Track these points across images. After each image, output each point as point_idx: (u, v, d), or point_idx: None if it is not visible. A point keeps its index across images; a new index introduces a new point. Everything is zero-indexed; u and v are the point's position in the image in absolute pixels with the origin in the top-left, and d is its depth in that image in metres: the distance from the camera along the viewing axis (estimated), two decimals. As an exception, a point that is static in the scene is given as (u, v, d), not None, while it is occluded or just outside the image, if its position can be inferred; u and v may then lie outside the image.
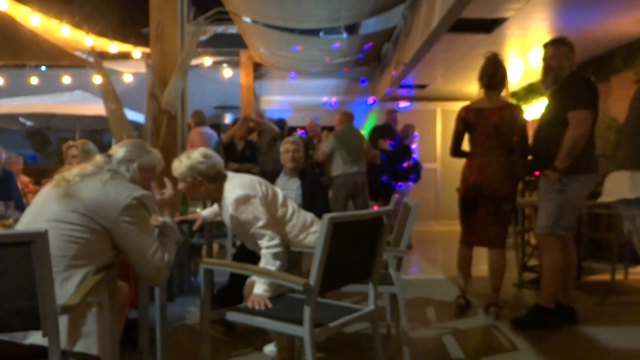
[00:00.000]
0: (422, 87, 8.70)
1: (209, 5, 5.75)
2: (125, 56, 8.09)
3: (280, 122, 6.89)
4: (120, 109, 4.19)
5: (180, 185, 2.58)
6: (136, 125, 6.42)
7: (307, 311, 1.88)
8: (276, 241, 2.49)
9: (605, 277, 4.41)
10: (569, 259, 3.36)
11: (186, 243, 4.36)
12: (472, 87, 8.63)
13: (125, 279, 2.42)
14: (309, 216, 2.80)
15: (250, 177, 2.67)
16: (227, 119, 9.89)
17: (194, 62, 8.92)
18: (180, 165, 2.53)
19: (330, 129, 7.29)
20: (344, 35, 8.98)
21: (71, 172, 1.92)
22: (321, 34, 9.40)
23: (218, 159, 2.60)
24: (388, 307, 3.13)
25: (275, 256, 2.48)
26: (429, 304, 3.97)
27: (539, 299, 3.35)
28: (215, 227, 4.02)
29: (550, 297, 3.29)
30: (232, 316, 2.15)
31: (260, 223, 2.49)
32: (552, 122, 3.27)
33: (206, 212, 3.00)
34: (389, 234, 3.29)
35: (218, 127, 10.13)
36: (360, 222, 2.09)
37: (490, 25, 5.34)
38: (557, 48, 3.36)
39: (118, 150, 2.07)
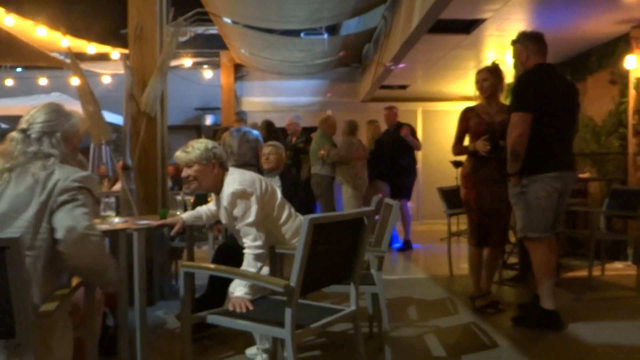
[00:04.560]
0: (403, 87, 8.76)
1: (189, 6, 5.71)
2: (103, 57, 7.99)
3: (267, 125, 6.85)
4: (99, 111, 4.13)
5: (190, 171, 2.57)
6: (115, 127, 6.34)
7: (288, 313, 1.87)
8: (259, 242, 2.48)
9: (583, 273, 4.48)
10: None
11: (167, 246, 4.32)
12: (452, 87, 8.75)
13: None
14: None
15: (251, 174, 2.66)
16: (208, 120, 9.84)
17: (174, 63, 8.86)
18: (194, 149, 2.55)
19: (311, 129, 7.30)
20: (325, 36, 8.99)
21: None
22: (302, 34, 9.41)
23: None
24: (370, 307, 3.14)
25: (257, 257, 2.47)
26: (410, 303, 3.99)
27: (540, 301, 3.31)
28: (196, 230, 3.99)
29: (547, 298, 3.26)
30: (213, 319, 2.13)
31: (249, 220, 2.48)
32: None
33: (186, 215, 2.97)
34: (371, 234, 3.32)
35: (199, 128, 10.07)
36: (341, 223, 2.09)
37: (469, 26, 5.41)
38: (516, 45, 3.41)
39: (34, 124, 1.85)
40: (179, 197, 3.36)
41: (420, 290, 4.38)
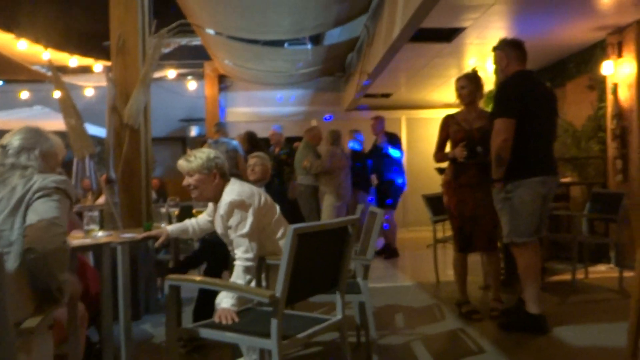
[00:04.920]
0: (386, 95, 8.82)
1: (172, 17, 5.71)
2: (86, 70, 7.94)
3: (249, 136, 6.84)
4: (81, 124, 4.10)
5: (191, 180, 2.58)
6: (98, 140, 6.30)
7: (274, 323, 1.87)
8: (250, 255, 2.48)
9: (567, 277, 4.53)
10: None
11: (152, 259, 4.28)
12: (435, 95, 8.83)
13: (83, 298, 2.36)
14: None
15: (251, 187, 2.68)
16: (193, 131, 9.81)
17: (158, 74, 8.82)
18: (196, 159, 2.57)
19: (296, 139, 7.32)
20: (309, 46, 9.04)
21: None
22: (286, 44, 9.45)
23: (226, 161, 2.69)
24: (357, 316, 3.14)
25: (247, 270, 2.46)
26: (397, 310, 4.00)
27: (526, 306, 3.34)
28: (182, 242, 3.97)
29: (533, 303, 3.28)
30: (200, 332, 2.12)
31: (242, 231, 2.48)
32: (488, 132, 3.35)
33: (171, 228, 2.95)
34: (356, 242, 3.34)
35: (184, 140, 10.03)
36: (325, 232, 2.10)
37: (450, 35, 5.49)
38: (496, 52, 3.47)
39: (12, 140, 1.94)
40: (163, 210, 3.34)
41: (406, 298, 4.39)
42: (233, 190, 2.58)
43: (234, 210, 2.50)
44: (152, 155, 4.53)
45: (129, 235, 2.84)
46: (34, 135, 1.96)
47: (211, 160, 2.58)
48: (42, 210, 1.75)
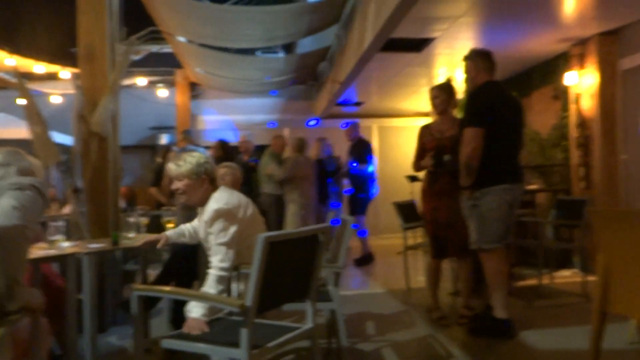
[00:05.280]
0: (358, 104, 8.90)
1: (142, 24, 5.65)
2: (52, 77, 7.78)
3: (222, 144, 6.79)
4: (46, 131, 4.01)
5: (180, 184, 2.57)
6: (65, 148, 6.15)
7: (244, 333, 1.86)
8: (226, 265, 2.45)
9: (533, 282, 4.63)
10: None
11: (119, 270, 4.20)
12: (406, 104, 8.96)
13: (47, 310, 2.30)
14: None
15: (239, 196, 2.67)
16: (164, 139, 9.68)
17: (127, 82, 8.71)
18: (186, 163, 2.55)
19: (265, 147, 7.31)
20: (281, 54, 9.07)
21: None
22: (258, 53, 9.46)
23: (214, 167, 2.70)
24: (328, 324, 3.14)
25: (220, 280, 2.44)
26: (368, 318, 4.02)
27: (494, 311, 3.39)
28: (150, 252, 3.91)
29: (500, 308, 3.34)
30: (169, 343, 2.09)
31: (222, 240, 2.46)
32: (459, 140, 3.42)
33: (170, 232, 2.89)
34: (327, 250, 3.35)
35: (154, 148, 9.90)
36: (296, 240, 2.10)
37: (420, 45, 5.58)
38: (467, 62, 3.56)
39: None
40: (132, 219, 3.29)
41: (377, 305, 4.41)
42: (221, 198, 2.56)
43: (219, 218, 2.48)
44: (121, 163, 4.45)
45: (95, 246, 2.78)
46: (12, 155, 2.02)
47: (201, 165, 2.57)
48: (11, 197, 1.77)
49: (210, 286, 2.41)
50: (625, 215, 2.50)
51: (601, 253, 2.44)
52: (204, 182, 2.57)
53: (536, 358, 3.03)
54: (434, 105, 3.85)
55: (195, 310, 2.25)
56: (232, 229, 2.49)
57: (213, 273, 2.43)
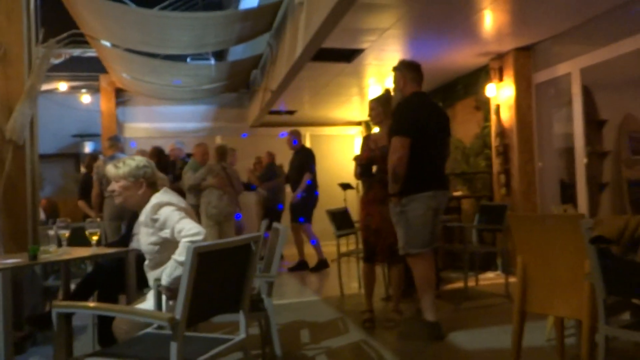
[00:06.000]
0: (291, 112, 8.94)
1: (63, 26, 5.37)
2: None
3: (158, 152, 6.57)
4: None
5: (116, 186, 2.55)
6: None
7: (174, 347, 1.80)
8: (195, 230, 2.36)
9: (460, 284, 4.83)
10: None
11: (39, 286, 3.95)
12: (338, 113, 9.10)
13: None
14: None
15: (180, 200, 2.61)
16: (87, 148, 9.23)
17: (47, 87, 8.25)
18: (124, 165, 2.56)
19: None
20: (212, 61, 8.94)
21: None
22: (188, 59, 9.27)
23: (157, 171, 2.70)
24: (262, 333, 3.12)
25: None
26: (302, 326, 4.02)
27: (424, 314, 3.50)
28: (73, 266, 3.71)
29: (429, 310, 3.45)
30: (93, 363, 1.99)
31: (178, 216, 2.40)
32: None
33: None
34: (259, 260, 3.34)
35: (77, 157, 9.41)
36: (227, 251, 2.07)
37: (350, 55, 5.70)
38: (396, 72, 3.68)
39: None
40: (52, 232, 3.10)
41: (312, 312, 4.43)
42: (162, 196, 2.55)
43: (162, 207, 2.45)
44: (40, 173, 4.20)
45: (11, 261, 2.60)
46: None
47: (139, 169, 2.56)
48: None
49: (180, 253, 2.34)
50: (539, 220, 2.67)
51: (519, 255, 2.60)
52: (142, 185, 2.56)
53: (464, 358, 3.16)
54: (371, 117, 3.99)
55: (163, 277, 2.35)
56: (181, 212, 2.45)
57: (184, 241, 2.34)
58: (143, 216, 2.51)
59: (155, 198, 2.54)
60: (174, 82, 7.94)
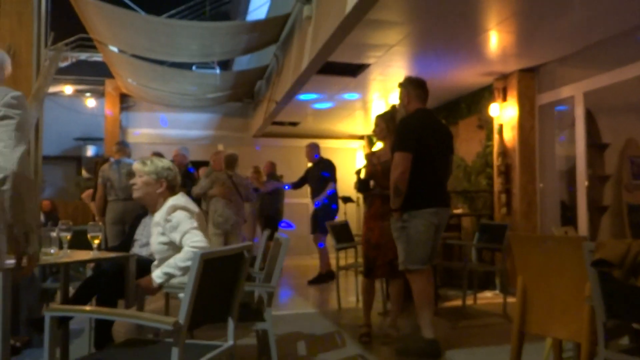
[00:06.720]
0: (294, 124, 8.97)
1: (72, 30, 5.43)
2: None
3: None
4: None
5: (139, 180, 2.73)
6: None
7: (175, 352, 1.80)
8: (200, 244, 2.55)
9: (458, 302, 4.82)
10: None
11: (37, 288, 3.94)
12: (340, 126, 9.14)
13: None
14: None
15: (196, 207, 2.79)
16: (90, 151, 9.25)
17: (53, 89, 8.30)
18: (152, 164, 2.76)
19: (201, 163, 7.18)
20: (217, 70, 8.99)
21: None
22: (194, 67, 9.33)
23: (179, 177, 2.88)
24: (259, 344, 3.11)
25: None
26: (299, 338, 4.00)
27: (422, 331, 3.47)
28: (72, 269, 3.70)
29: (427, 327, 3.43)
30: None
31: (190, 225, 2.60)
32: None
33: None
34: (252, 268, 3.38)
35: (79, 160, 9.43)
36: (226, 258, 2.08)
37: (356, 70, 5.75)
38: (401, 88, 3.71)
39: None
40: (53, 234, 3.10)
41: (309, 325, 4.41)
42: (180, 199, 2.72)
43: (176, 210, 2.62)
44: (42, 175, 4.21)
45: (11, 262, 2.59)
46: None
47: (164, 170, 2.76)
48: None
49: (180, 259, 2.55)
50: (540, 240, 2.67)
51: (519, 276, 2.60)
52: (162, 185, 2.73)
53: (460, 376, 3.14)
54: (375, 132, 4.03)
55: (157, 274, 2.55)
56: (194, 219, 2.64)
57: (187, 249, 2.55)
58: (158, 216, 2.65)
59: (173, 200, 2.69)
60: (190, 89, 7.98)
